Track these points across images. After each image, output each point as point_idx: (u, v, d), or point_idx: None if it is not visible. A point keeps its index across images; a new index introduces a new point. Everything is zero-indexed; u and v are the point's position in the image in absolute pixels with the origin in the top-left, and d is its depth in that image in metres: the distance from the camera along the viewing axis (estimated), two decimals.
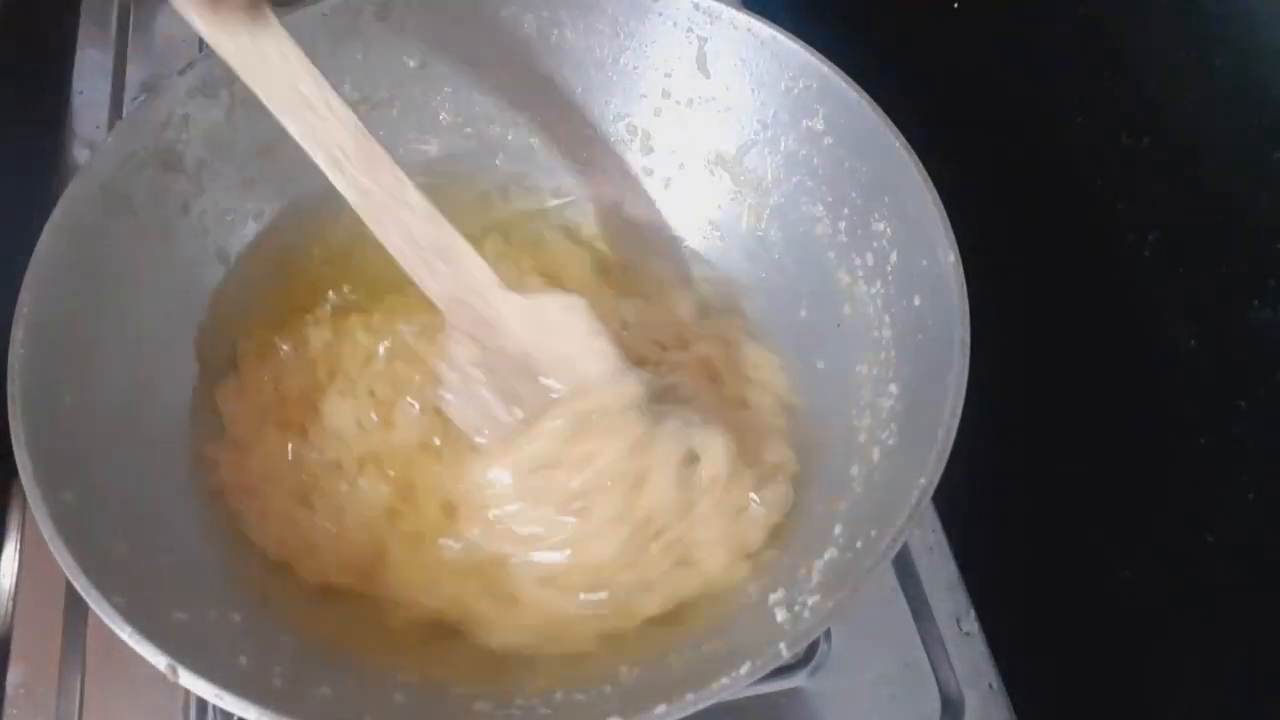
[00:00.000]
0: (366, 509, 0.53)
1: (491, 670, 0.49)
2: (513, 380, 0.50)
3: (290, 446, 0.55)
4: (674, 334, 0.60)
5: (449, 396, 0.51)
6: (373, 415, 0.56)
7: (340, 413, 0.56)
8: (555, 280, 0.62)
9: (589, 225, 0.66)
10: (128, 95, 0.75)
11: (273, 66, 0.44)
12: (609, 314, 0.56)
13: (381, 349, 0.57)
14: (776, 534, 0.53)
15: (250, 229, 0.60)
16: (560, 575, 0.51)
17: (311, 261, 0.62)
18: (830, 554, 0.48)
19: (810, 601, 0.45)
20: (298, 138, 0.46)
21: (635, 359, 0.54)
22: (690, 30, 0.61)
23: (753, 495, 0.52)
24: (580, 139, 0.66)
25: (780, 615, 0.46)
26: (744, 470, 0.52)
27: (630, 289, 0.63)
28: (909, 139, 0.54)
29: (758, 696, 0.57)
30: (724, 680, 0.41)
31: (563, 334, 0.49)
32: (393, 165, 0.47)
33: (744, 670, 0.42)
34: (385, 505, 0.54)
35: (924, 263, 0.52)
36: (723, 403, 0.57)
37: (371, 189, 0.46)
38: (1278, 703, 0.50)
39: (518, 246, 0.64)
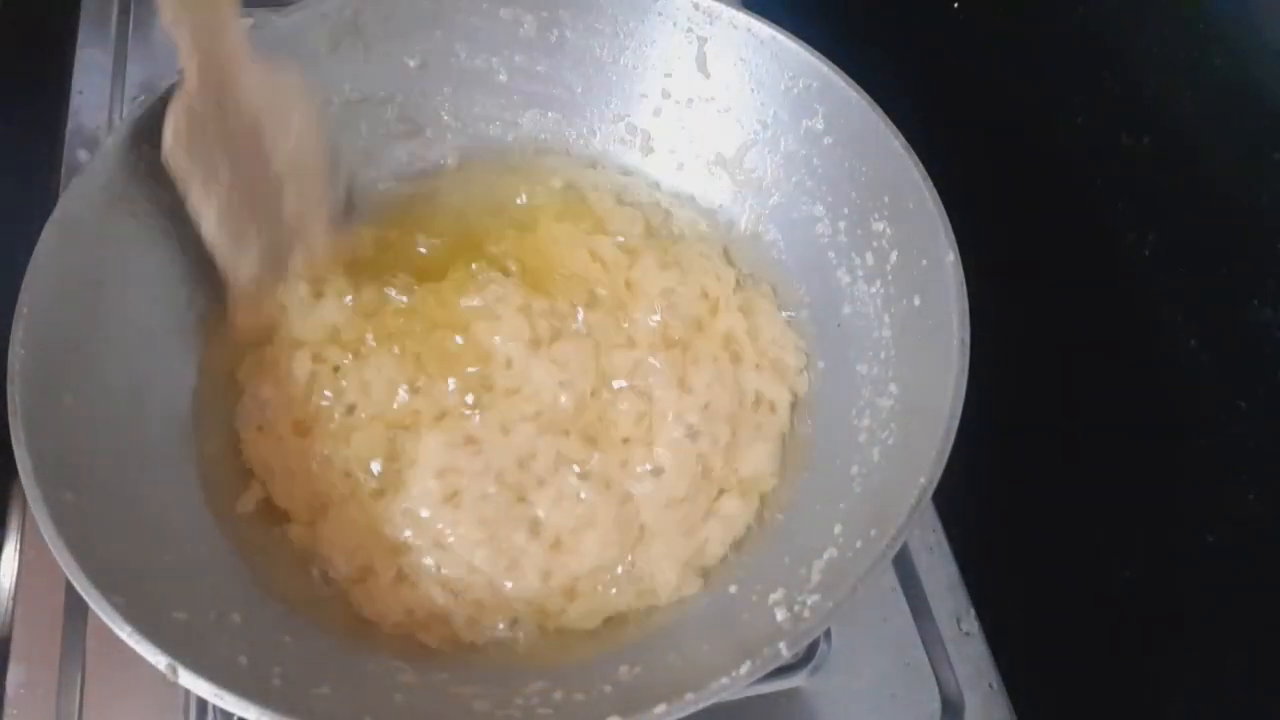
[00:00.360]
0: (352, 460, 0.55)
1: (492, 670, 0.50)
2: (237, 133, 0.52)
3: (313, 373, 0.57)
4: (707, 306, 0.61)
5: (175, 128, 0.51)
6: (406, 381, 0.57)
7: (382, 366, 0.57)
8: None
9: None
10: (128, 95, 0.75)
11: None
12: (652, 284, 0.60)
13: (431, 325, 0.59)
14: (737, 547, 0.54)
15: None
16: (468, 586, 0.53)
17: None
18: (830, 554, 0.48)
19: (810, 601, 0.45)
20: None
21: (667, 341, 0.59)
22: (690, 30, 0.61)
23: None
24: (581, 139, 0.66)
25: (780, 615, 0.46)
26: (702, 487, 0.55)
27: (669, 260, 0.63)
28: (909, 139, 0.54)
29: (758, 696, 0.57)
30: (724, 680, 0.41)
31: (289, 111, 0.53)
32: None
33: (744, 670, 0.42)
34: (366, 459, 0.55)
35: (924, 263, 0.52)
36: (734, 396, 0.58)
37: None
38: (1278, 703, 0.50)
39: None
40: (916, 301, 0.53)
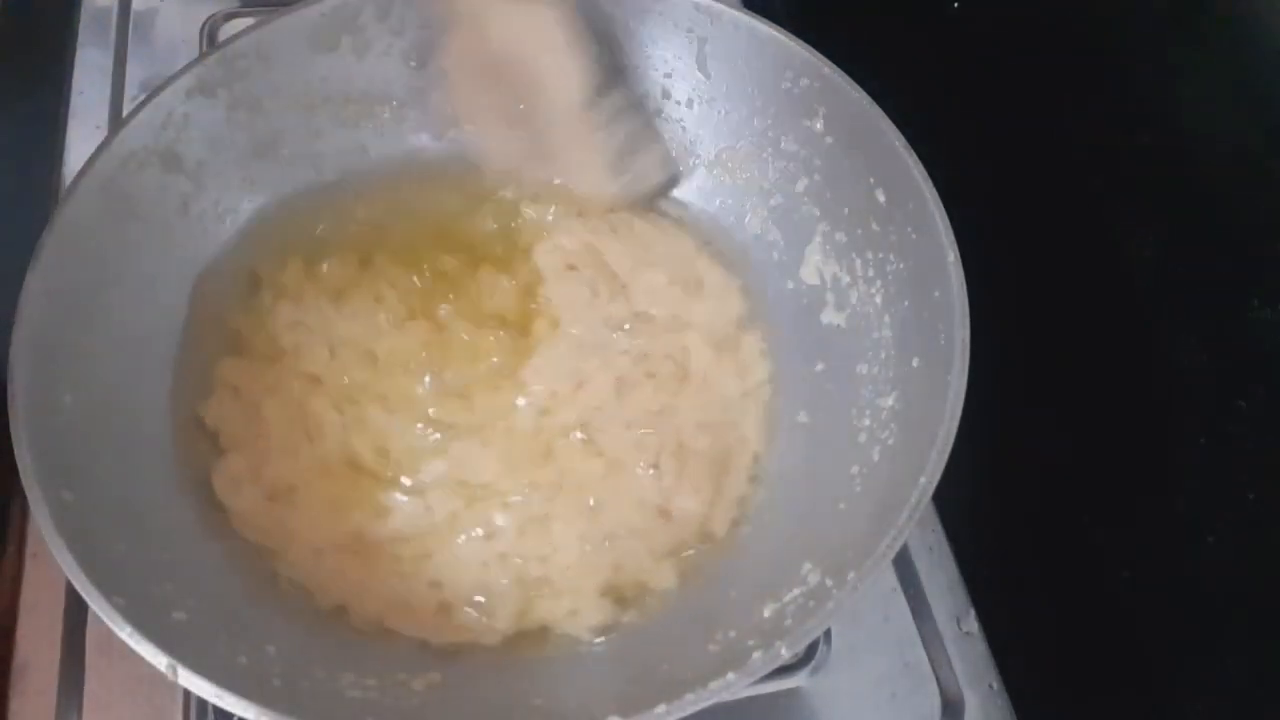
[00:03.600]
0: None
1: (490, 668, 0.50)
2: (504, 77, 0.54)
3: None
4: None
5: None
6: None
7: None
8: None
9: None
10: (128, 95, 0.75)
11: None
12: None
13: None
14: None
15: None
16: None
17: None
18: (831, 553, 0.48)
19: (810, 602, 0.45)
20: None
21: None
22: (690, 30, 0.61)
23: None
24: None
25: (780, 615, 0.46)
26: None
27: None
28: (909, 139, 0.54)
29: (758, 696, 0.57)
30: (724, 680, 0.41)
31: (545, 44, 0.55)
32: None
33: (743, 670, 0.42)
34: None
35: (924, 263, 0.52)
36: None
37: None
38: (1278, 703, 0.50)
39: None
40: (916, 302, 0.53)
